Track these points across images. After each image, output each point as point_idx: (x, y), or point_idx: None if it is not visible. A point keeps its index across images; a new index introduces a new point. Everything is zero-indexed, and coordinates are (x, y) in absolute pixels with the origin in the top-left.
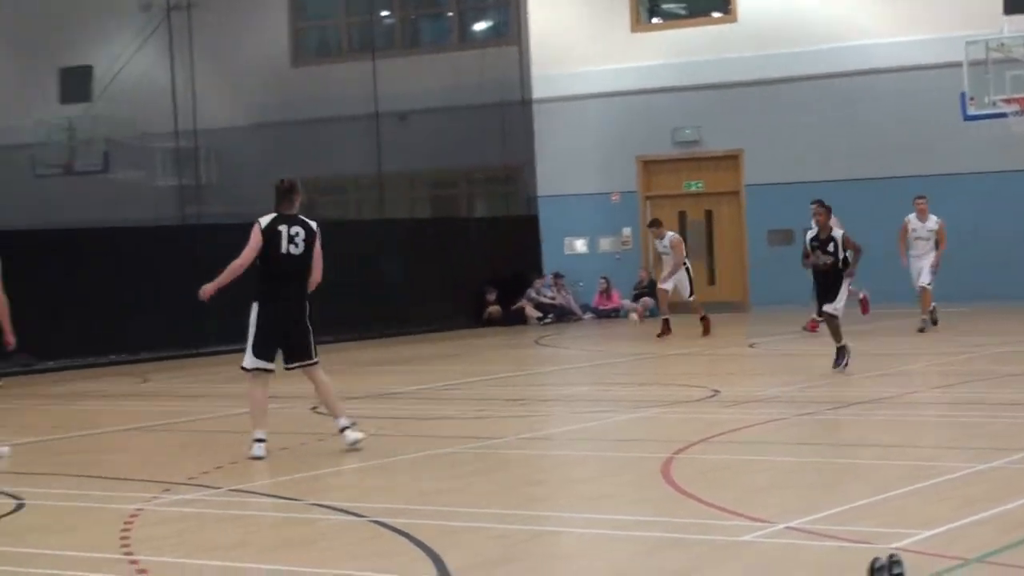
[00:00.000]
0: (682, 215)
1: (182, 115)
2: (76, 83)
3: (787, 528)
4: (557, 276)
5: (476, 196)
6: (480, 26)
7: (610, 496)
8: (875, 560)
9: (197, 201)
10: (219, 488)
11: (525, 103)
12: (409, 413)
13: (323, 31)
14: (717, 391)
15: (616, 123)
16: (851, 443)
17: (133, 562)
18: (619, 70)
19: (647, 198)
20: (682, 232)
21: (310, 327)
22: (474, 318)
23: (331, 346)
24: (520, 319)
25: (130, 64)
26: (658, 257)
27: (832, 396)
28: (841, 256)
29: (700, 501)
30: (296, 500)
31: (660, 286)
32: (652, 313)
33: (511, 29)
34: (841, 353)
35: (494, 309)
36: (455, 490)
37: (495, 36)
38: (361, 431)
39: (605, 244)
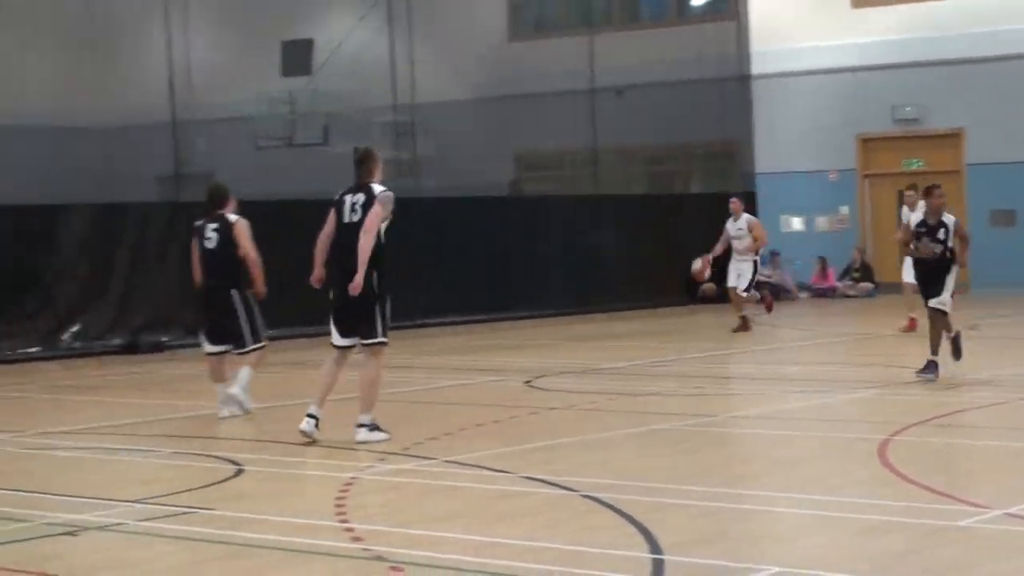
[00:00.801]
0: (901, 194)
1: (400, 89)
2: (298, 56)
3: (1005, 514)
4: (773, 254)
5: (692, 172)
6: (699, 1)
7: (823, 477)
8: None
9: (413, 174)
10: (433, 459)
11: (743, 79)
12: (621, 389)
13: (541, 5)
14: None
15: (835, 100)
16: None
17: (348, 530)
18: (839, 46)
19: (865, 176)
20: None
21: (372, 302)
22: (688, 295)
23: (543, 320)
24: None
25: (350, 38)
26: (727, 240)
27: None
28: (950, 245)
29: (916, 484)
30: (508, 473)
31: (730, 284)
32: (871, 296)
33: (730, 4)
34: (931, 366)
35: (708, 286)
36: (666, 467)
37: (714, 11)
38: (384, 433)
39: (822, 222)
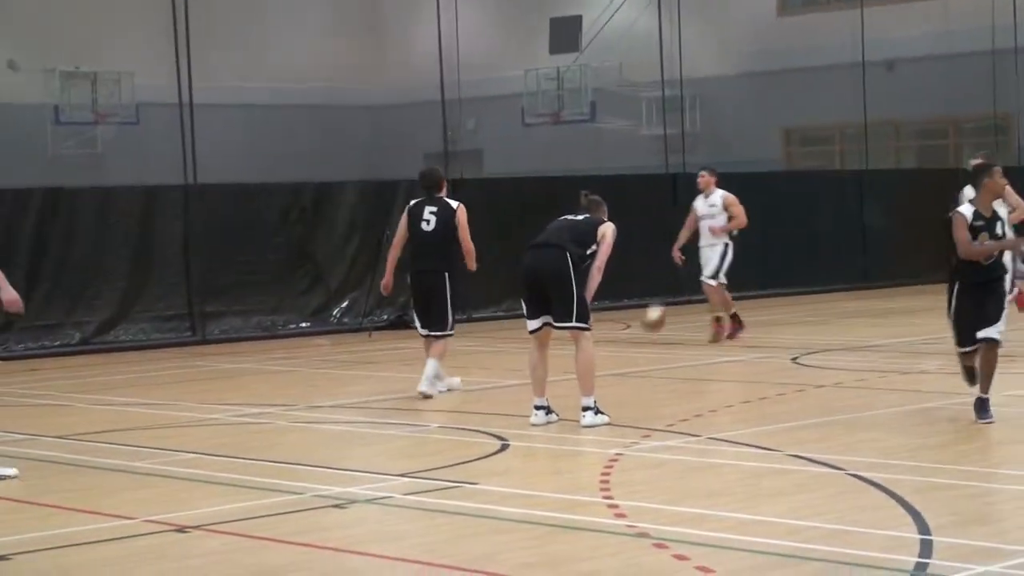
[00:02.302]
0: None
1: (668, 64)
2: (565, 33)
3: None
4: None
5: (964, 146)
6: None
7: None
8: None
9: (682, 150)
10: (697, 436)
11: (1019, 50)
12: (890, 366)
13: None
14: None
15: None
16: None
17: (612, 506)
18: None
19: None
20: None
21: (572, 290)
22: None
23: (812, 296)
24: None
25: (618, 14)
26: (694, 222)
27: None
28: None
29: None
30: (773, 451)
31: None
32: None
33: None
34: (983, 405)
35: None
36: (936, 446)
37: None
38: (606, 415)
39: None
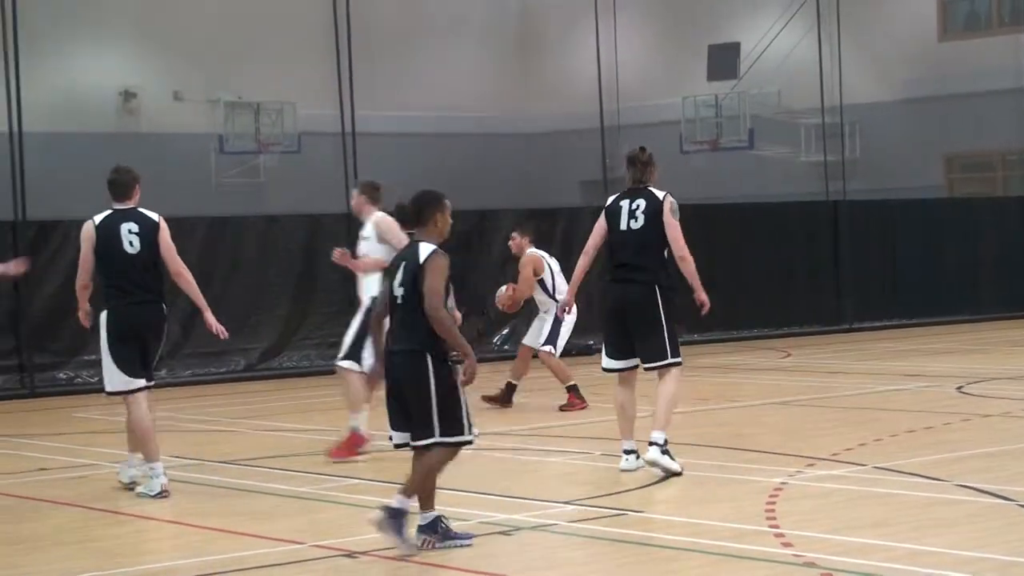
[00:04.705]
0: None
1: (827, 91)
2: (724, 60)
3: None
4: None
5: None
6: None
7: None
8: None
9: (842, 177)
10: (863, 465)
11: None
12: None
13: (972, 4)
14: None
15: None
16: None
17: (778, 535)
18: None
19: None
20: None
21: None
22: None
23: (976, 324)
24: None
25: (777, 40)
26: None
27: None
28: None
29: None
30: (941, 480)
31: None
32: None
33: None
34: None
35: None
36: None
37: None
38: (675, 462)
39: None
